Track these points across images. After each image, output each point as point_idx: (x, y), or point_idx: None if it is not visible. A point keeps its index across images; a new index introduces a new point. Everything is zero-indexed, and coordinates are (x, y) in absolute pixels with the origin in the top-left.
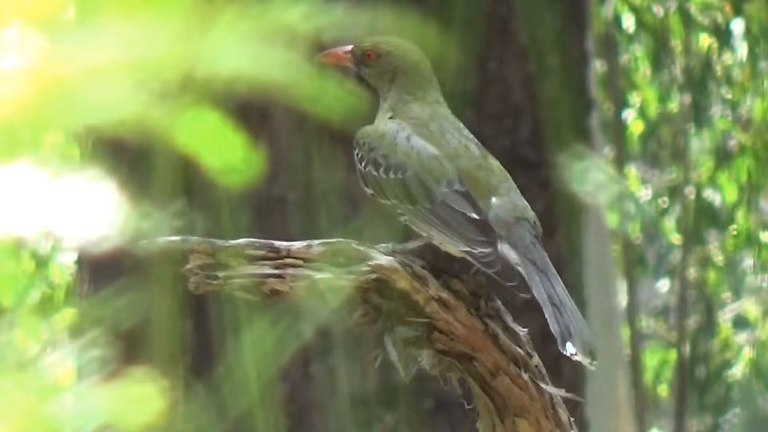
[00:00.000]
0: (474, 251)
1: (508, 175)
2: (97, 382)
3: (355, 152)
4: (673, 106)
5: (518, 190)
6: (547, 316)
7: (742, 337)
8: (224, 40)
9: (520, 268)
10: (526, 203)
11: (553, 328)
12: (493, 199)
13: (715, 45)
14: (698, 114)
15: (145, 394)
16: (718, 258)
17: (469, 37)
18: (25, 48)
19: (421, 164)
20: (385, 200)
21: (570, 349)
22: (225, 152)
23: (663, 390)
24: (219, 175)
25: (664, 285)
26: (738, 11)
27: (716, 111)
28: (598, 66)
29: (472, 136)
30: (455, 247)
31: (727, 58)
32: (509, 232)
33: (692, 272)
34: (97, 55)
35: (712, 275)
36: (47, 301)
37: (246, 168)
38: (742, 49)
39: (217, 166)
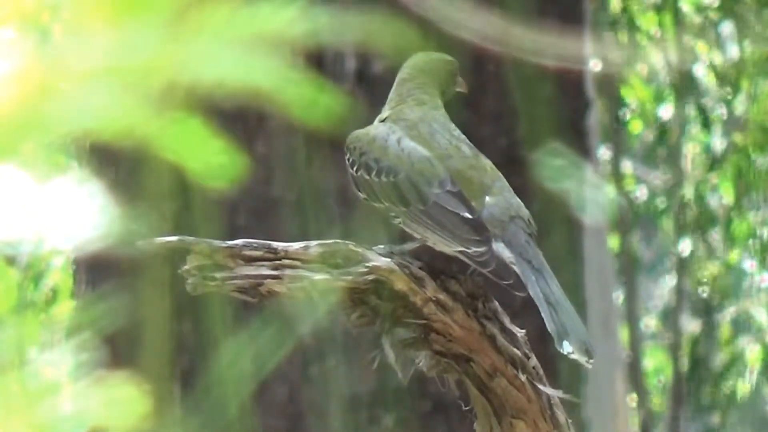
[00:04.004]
0: (468, 251)
1: (500, 174)
2: (91, 383)
3: (346, 157)
4: (669, 105)
5: (511, 189)
6: (543, 314)
7: (743, 339)
8: (211, 46)
9: (515, 267)
10: (520, 201)
11: (550, 326)
12: (487, 198)
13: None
14: (693, 113)
15: (135, 396)
16: (718, 258)
17: (463, 38)
18: (12, 52)
19: (413, 166)
20: (378, 203)
21: (567, 347)
22: (207, 157)
23: (661, 392)
24: (201, 179)
25: (662, 286)
26: (728, 13)
27: (711, 110)
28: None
29: (463, 136)
30: (449, 248)
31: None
32: (504, 230)
33: (690, 273)
34: (83, 60)
35: (711, 276)
36: (43, 302)
37: (228, 172)
38: (732, 50)
39: (199, 171)
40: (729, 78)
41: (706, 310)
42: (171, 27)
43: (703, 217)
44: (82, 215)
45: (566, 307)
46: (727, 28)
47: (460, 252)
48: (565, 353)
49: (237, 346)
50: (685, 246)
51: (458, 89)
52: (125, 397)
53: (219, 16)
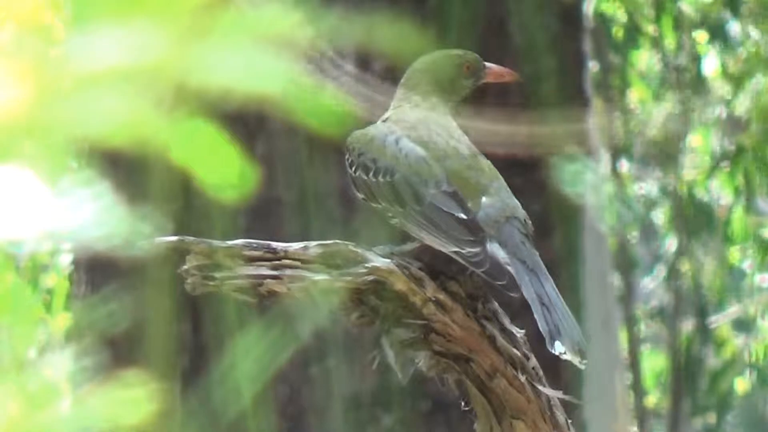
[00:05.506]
0: (463, 251)
1: (499, 175)
2: (92, 385)
3: (346, 157)
4: (668, 105)
5: (509, 189)
6: (535, 315)
7: (741, 340)
8: (219, 49)
9: (509, 267)
10: (517, 202)
11: (542, 327)
12: (484, 199)
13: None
14: (692, 113)
15: (138, 397)
16: (715, 259)
17: (466, 38)
18: (21, 54)
19: (409, 166)
20: (376, 204)
21: (559, 348)
22: (220, 167)
23: (659, 392)
24: (213, 189)
25: (659, 286)
26: (734, 12)
27: (712, 110)
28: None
29: (464, 137)
30: (444, 248)
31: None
32: (499, 231)
33: (687, 273)
34: (91, 62)
35: (708, 276)
36: (44, 303)
37: (241, 183)
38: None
39: (212, 181)
40: (731, 78)
41: (703, 311)
42: (181, 30)
43: (701, 218)
44: (87, 216)
45: (560, 308)
46: (728, 28)
47: (455, 252)
48: (557, 354)
49: (238, 348)
50: (683, 246)
51: (487, 80)
52: (131, 398)
53: (226, 19)
